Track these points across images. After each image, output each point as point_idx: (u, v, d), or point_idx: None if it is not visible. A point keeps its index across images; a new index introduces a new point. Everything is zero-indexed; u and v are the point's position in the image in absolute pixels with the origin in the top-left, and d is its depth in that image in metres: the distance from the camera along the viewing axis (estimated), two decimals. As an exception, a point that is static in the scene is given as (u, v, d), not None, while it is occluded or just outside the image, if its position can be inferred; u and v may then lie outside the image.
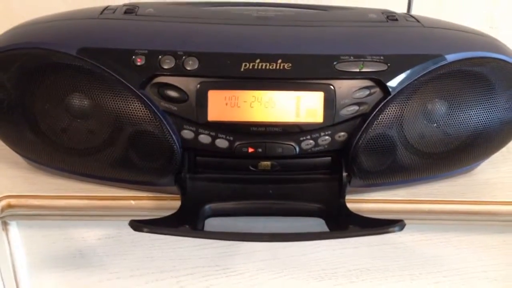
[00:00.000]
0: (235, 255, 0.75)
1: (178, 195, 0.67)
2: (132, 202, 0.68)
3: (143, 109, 0.62)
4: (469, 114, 0.66)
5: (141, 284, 0.77)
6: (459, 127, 0.66)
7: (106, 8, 0.71)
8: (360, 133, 0.64)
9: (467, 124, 0.66)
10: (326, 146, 0.65)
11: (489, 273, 0.78)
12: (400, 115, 0.64)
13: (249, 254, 0.75)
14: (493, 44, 0.70)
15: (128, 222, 0.59)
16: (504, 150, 0.74)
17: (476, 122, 0.66)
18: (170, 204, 0.67)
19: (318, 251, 0.75)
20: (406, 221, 0.60)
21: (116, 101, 0.62)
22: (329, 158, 0.66)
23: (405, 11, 0.81)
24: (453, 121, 0.66)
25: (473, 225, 0.74)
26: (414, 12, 0.81)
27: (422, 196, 0.70)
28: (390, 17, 0.72)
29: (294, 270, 0.77)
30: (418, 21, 0.72)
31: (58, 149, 0.66)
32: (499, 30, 1.01)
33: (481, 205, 0.69)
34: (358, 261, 0.76)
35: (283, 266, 0.76)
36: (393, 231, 0.60)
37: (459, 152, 0.68)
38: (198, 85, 0.62)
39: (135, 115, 0.62)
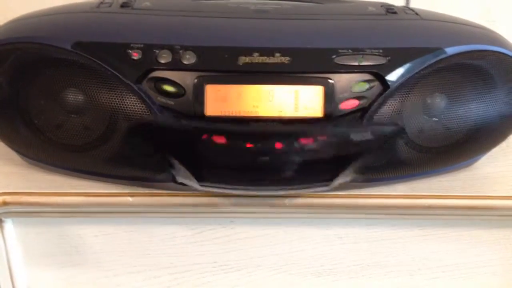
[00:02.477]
0: (233, 251, 0.75)
1: (176, 192, 0.66)
2: (129, 198, 0.68)
3: (139, 104, 0.62)
4: (468, 108, 0.65)
5: (138, 281, 0.76)
6: (458, 121, 0.66)
7: (102, 1, 0.70)
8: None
9: (466, 118, 0.66)
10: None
11: (488, 268, 0.77)
12: (399, 109, 0.63)
13: (247, 250, 0.75)
14: (493, 37, 0.69)
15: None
16: (503, 144, 0.73)
17: (476, 116, 0.66)
18: (168, 201, 0.67)
19: (317, 247, 0.75)
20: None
21: (111, 96, 0.62)
22: (329, 152, 0.66)
23: (403, 4, 0.81)
24: (452, 115, 0.65)
25: (473, 219, 0.73)
26: (412, 5, 0.81)
27: (421, 191, 0.70)
28: (389, 10, 0.72)
29: (293, 266, 0.76)
30: (417, 14, 0.71)
31: (53, 145, 0.65)
32: (496, 23, 1.01)
33: (481, 199, 0.69)
34: (357, 257, 0.76)
35: (281, 262, 0.76)
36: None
37: (459, 147, 0.68)
38: (196, 80, 0.61)
39: (131, 110, 0.62)
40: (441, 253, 0.76)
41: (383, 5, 0.74)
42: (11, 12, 0.72)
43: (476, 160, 0.74)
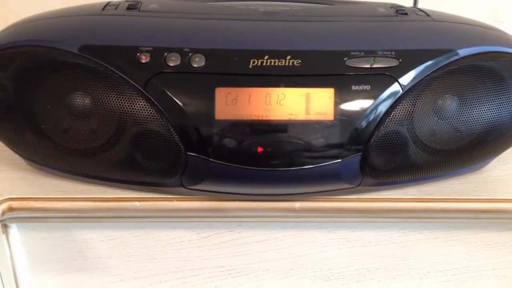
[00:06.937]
0: (240, 255, 0.74)
1: (184, 196, 0.65)
2: (137, 203, 0.67)
3: (148, 107, 0.61)
4: (481, 110, 0.65)
5: (145, 286, 0.76)
6: (470, 123, 0.65)
7: (107, 4, 0.70)
8: (371, 130, 0.62)
9: (478, 120, 0.65)
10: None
11: (498, 271, 0.77)
12: (411, 111, 0.63)
13: (255, 255, 0.74)
14: (504, 38, 0.69)
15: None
16: (515, 146, 0.73)
17: (488, 118, 0.65)
18: (176, 206, 0.66)
19: (325, 250, 0.74)
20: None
21: (120, 100, 0.61)
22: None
23: (411, 4, 0.80)
24: (464, 117, 0.65)
25: (482, 222, 0.73)
26: (419, 5, 0.80)
27: (433, 194, 0.69)
28: (400, 11, 0.71)
29: (301, 270, 0.76)
30: (428, 15, 0.70)
31: (60, 150, 0.65)
32: (504, 24, 1.00)
33: (493, 202, 0.68)
34: (365, 260, 0.75)
35: (289, 266, 0.75)
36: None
37: (471, 149, 0.67)
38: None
39: (140, 114, 0.61)
40: (451, 256, 0.75)
41: (392, 6, 0.73)
42: (13, 15, 0.71)
43: (487, 163, 0.74)
